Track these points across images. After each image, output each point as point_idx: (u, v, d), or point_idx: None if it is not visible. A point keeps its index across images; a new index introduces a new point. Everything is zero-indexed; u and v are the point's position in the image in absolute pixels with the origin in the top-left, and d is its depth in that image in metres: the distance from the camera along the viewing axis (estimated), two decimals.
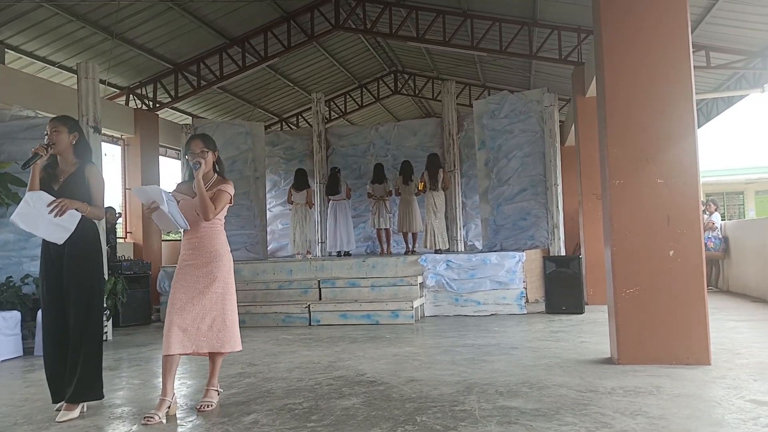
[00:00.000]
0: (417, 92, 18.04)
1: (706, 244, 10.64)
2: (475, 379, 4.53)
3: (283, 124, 17.73)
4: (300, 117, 18.01)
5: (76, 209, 3.82)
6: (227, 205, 4.09)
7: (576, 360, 5.12)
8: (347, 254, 11.33)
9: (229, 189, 4.06)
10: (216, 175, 4.11)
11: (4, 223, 7.46)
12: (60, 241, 3.81)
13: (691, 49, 4.95)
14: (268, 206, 12.75)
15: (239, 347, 4.08)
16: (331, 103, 17.69)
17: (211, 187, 4.02)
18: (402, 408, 3.80)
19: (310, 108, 13.93)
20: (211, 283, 3.93)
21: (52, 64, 10.61)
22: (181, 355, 3.87)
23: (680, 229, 4.81)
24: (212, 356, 4.07)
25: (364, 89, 17.78)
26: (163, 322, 3.97)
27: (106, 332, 7.37)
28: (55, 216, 3.73)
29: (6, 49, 9.76)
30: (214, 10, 10.87)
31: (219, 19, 11.29)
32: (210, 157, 4.04)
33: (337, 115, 18.24)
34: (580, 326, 7.09)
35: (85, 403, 3.98)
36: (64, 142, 3.97)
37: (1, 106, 8.28)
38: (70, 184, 3.93)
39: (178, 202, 3.98)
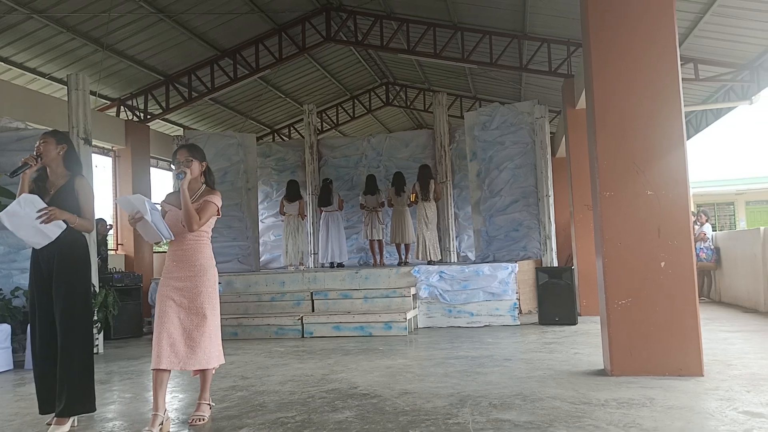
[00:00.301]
0: (408, 104, 18.10)
1: (698, 255, 10.70)
2: (468, 391, 4.52)
3: (275, 135, 17.74)
4: (292, 128, 18.03)
5: (65, 220, 3.85)
6: (215, 217, 4.03)
7: (569, 372, 5.12)
8: (340, 266, 11.31)
9: (216, 200, 3.99)
10: (204, 185, 4.06)
11: None
12: (38, 246, 3.86)
13: (679, 62, 5.00)
14: (260, 217, 12.72)
15: (223, 360, 4.07)
16: (323, 115, 17.72)
17: (198, 197, 3.97)
18: (395, 421, 3.79)
19: (302, 119, 13.94)
20: (196, 297, 3.89)
21: (42, 75, 10.58)
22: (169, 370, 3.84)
23: (671, 241, 4.84)
24: (201, 371, 4.02)
25: (355, 101, 17.83)
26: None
27: (97, 345, 7.31)
28: (41, 223, 3.75)
29: None
30: (205, 22, 10.89)
31: (210, 30, 11.31)
32: (196, 166, 3.98)
33: (329, 127, 18.27)
34: (573, 337, 7.09)
35: (76, 417, 3.95)
36: (51, 153, 3.99)
37: None
38: (60, 196, 3.94)
39: (165, 212, 3.95)
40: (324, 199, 11.50)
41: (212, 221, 4.04)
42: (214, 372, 4.20)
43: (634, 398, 4.10)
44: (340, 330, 8.00)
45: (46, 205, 3.79)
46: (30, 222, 3.74)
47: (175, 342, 3.80)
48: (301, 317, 8.17)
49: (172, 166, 4.01)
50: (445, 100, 12.59)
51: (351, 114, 18.18)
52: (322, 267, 11.64)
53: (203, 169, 4.05)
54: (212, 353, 3.93)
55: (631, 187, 4.95)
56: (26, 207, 3.75)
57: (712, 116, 12.25)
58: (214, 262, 4.06)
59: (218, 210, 4.02)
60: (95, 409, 4.00)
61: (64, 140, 4.10)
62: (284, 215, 11.32)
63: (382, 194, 11.23)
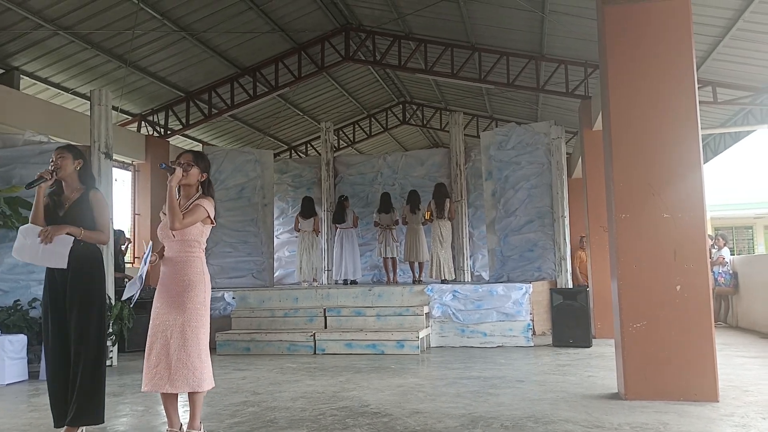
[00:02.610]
0: (425, 123, 18.20)
1: (717, 280, 10.56)
2: (480, 412, 4.49)
3: (292, 152, 17.89)
4: (309, 145, 18.18)
5: (68, 233, 3.87)
6: (209, 227, 3.83)
7: (582, 395, 5.07)
8: (353, 283, 11.31)
9: (207, 205, 3.76)
10: (200, 194, 3.86)
11: (12, 246, 7.49)
12: (61, 266, 3.86)
13: (696, 85, 5.00)
14: (275, 233, 12.79)
15: (212, 384, 3.75)
16: (340, 132, 17.86)
17: (190, 204, 3.79)
18: None
19: (319, 137, 14.07)
20: (181, 314, 3.68)
21: (66, 90, 10.79)
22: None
23: (687, 264, 4.80)
24: (189, 395, 3.72)
25: (372, 119, 17.96)
26: None
27: (111, 357, 7.36)
28: (45, 244, 3.81)
29: (21, 75, 9.95)
30: (226, 40, 11.07)
31: (231, 49, 11.49)
32: (195, 172, 3.81)
33: (345, 144, 18.41)
34: (588, 360, 7.03)
35: (86, 429, 3.96)
36: (68, 168, 4.04)
37: (15, 130, 8.41)
38: (74, 209, 3.99)
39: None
40: (338, 216, 11.54)
41: (206, 231, 3.83)
42: (204, 395, 3.83)
43: (647, 423, 4.05)
44: (352, 347, 7.99)
45: (41, 229, 3.85)
46: (38, 248, 3.82)
47: (160, 362, 3.64)
48: (314, 334, 8.17)
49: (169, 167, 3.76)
50: (462, 120, 12.63)
51: (368, 132, 18.30)
52: (336, 284, 11.66)
53: (202, 179, 3.87)
54: (198, 375, 3.64)
55: (647, 209, 4.93)
56: (29, 237, 3.83)
57: (730, 139, 12.18)
58: (207, 277, 3.82)
59: (210, 217, 3.79)
60: (103, 421, 3.98)
61: (80, 155, 4.15)
62: (299, 231, 11.38)
63: (397, 212, 11.25)
